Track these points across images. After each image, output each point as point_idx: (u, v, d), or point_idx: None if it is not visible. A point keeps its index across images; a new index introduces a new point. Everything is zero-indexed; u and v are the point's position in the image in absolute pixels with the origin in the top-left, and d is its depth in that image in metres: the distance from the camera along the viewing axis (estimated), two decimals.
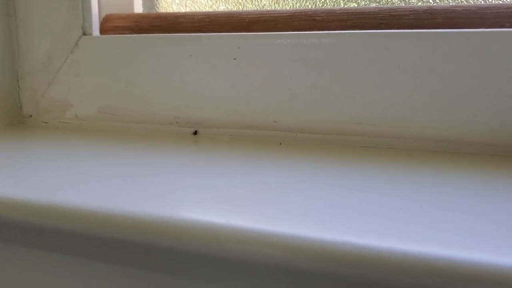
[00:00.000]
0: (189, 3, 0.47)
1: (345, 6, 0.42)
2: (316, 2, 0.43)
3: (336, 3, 0.42)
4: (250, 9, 0.45)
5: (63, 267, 0.30)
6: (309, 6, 0.43)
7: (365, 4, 0.41)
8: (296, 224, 0.23)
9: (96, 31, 0.44)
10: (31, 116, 0.46)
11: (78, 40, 0.43)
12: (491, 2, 0.38)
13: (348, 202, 0.25)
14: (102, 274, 0.29)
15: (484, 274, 0.19)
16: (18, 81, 0.47)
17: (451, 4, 0.39)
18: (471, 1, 0.39)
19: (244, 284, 0.23)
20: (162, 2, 0.48)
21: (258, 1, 0.45)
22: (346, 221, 0.23)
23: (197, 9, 0.47)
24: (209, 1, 0.46)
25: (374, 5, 0.41)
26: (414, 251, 0.20)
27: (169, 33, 0.42)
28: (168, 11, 0.48)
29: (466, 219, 0.23)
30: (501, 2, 0.38)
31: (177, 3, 0.48)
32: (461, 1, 0.39)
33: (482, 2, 0.38)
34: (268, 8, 0.44)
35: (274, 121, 0.38)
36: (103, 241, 0.26)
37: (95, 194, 0.28)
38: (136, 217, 0.25)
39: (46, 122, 0.46)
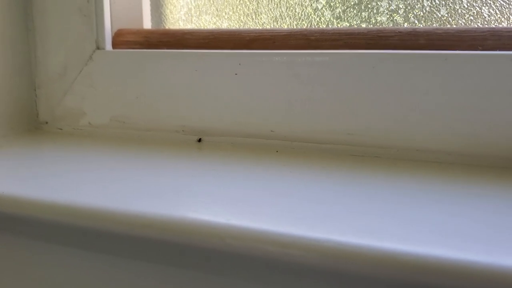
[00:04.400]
0: (194, 20, 0.51)
1: (338, 25, 0.45)
2: (312, 21, 0.46)
3: (330, 22, 0.46)
4: (250, 26, 0.49)
5: (76, 261, 0.33)
6: (305, 25, 0.47)
7: (356, 24, 0.45)
8: (289, 223, 0.26)
9: (108, 45, 0.47)
10: (47, 122, 0.50)
11: (92, 54, 0.47)
12: (470, 25, 0.41)
13: (337, 203, 0.29)
14: (114, 267, 0.32)
15: (450, 268, 0.22)
16: (35, 90, 0.50)
17: (433, 26, 0.43)
18: (453, 23, 0.42)
19: (243, 275, 0.27)
20: (169, 18, 0.52)
21: (258, 19, 0.48)
22: (333, 221, 0.26)
23: (202, 26, 0.51)
24: (213, 18, 0.50)
25: (364, 25, 0.45)
26: (391, 248, 0.23)
27: (176, 48, 0.46)
28: (175, 27, 0.52)
29: (440, 219, 0.26)
30: (479, 25, 0.41)
31: (183, 20, 0.51)
32: (444, 23, 0.42)
33: (463, 25, 0.42)
34: (267, 27, 0.48)
35: (271, 131, 0.42)
36: (115, 237, 0.30)
37: (107, 195, 0.31)
38: (145, 216, 0.28)
39: (61, 129, 0.49)
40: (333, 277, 0.24)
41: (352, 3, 0.45)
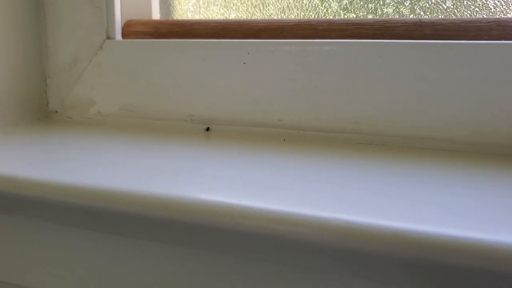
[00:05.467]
0: (202, 11, 0.52)
1: (345, 16, 0.46)
2: (319, 12, 0.47)
3: (337, 13, 0.47)
4: (258, 17, 0.49)
5: (87, 243, 0.34)
6: (313, 16, 0.47)
7: (362, 15, 0.46)
8: (299, 203, 0.27)
9: (118, 35, 0.48)
10: (56, 112, 0.51)
11: (102, 44, 0.48)
12: (475, 16, 0.42)
13: (344, 186, 0.30)
14: (126, 248, 0.33)
15: (457, 246, 0.23)
16: (45, 79, 0.51)
17: (439, 17, 0.43)
18: (458, 15, 0.43)
19: (254, 254, 0.28)
20: (178, 9, 0.53)
21: (265, 10, 0.49)
22: (342, 201, 0.27)
23: (210, 17, 0.51)
24: (221, 9, 0.51)
25: (370, 16, 0.45)
26: (400, 227, 0.24)
27: (185, 38, 0.46)
28: (183, 17, 0.53)
29: (446, 201, 0.27)
30: (484, 16, 0.42)
31: (192, 11, 0.52)
32: (449, 15, 0.43)
33: (468, 16, 0.42)
34: (274, 17, 0.49)
35: (279, 120, 0.42)
36: (127, 218, 0.30)
37: (119, 177, 0.32)
38: (157, 196, 0.28)
39: (71, 118, 0.50)
40: (343, 255, 0.25)
41: None
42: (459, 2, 0.43)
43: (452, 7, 0.43)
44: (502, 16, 0.41)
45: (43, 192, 0.32)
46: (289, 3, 0.48)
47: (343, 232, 0.25)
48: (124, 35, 0.48)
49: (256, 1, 0.49)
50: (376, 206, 0.27)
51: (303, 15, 0.48)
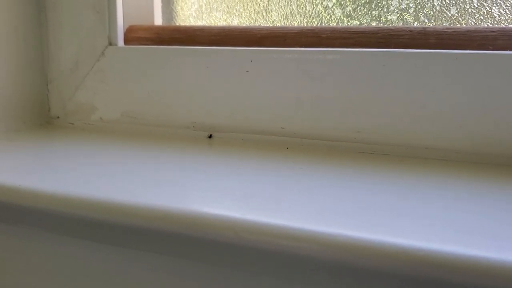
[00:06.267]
0: (205, 17, 0.51)
1: (348, 24, 0.46)
2: (322, 19, 0.47)
3: (340, 20, 0.46)
4: (261, 23, 0.49)
5: (88, 254, 0.34)
6: (316, 23, 0.47)
7: (366, 22, 0.45)
8: (302, 218, 0.27)
9: (120, 41, 0.48)
10: (58, 117, 0.51)
11: (104, 50, 0.47)
12: (480, 24, 0.42)
13: (347, 199, 0.29)
14: (126, 260, 0.33)
15: (461, 264, 0.23)
16: (47, 84, 0.51)
17: (443, 25, 0.43)
18: (463, 23, 0.42)
19: (256, 269, 0.27)
20: (180, 15, 0.52)
21: (268, 17, 0.49)
22: (345, 216, 0.27)
23: (212, 22, 0.51)
24: (223, 15, 0.51)
25: (374, 24, 0.45)
26: (400, 244, 0.24)
27: (187, 45, 0.46)
28: (185, 23, 0.52)
29: (450, 216, 0.27)
30: (489, 25, 0.41)
31: (194, 17, 0.52)
32: (453, 23, 0.43)
33: (472, 24, 0.42)
34: (277, 24, 0.48)
35: (281, 128, 0.42)
36: (127, 230, 0.30)
37: (120, 188, 0.31)
38: (159, 209, 0.28)
39: (73, 123, 0.50)
40: (345, 271, 0.25)
41: (363, 1, 0.45)
42: (464, 10, 0.42)
43: (456, 15, 0.43)
44: (507, 25, 0.41)
45: (44, 203, 0.31)
46: (292, 9, 0.47)
47: (347, 248, 0.24)
48: (126, 41, 0.48)
49: (259, 7, 0.49)
50: (379, 221, 0.26)
51: (306, 22, 0.47)
